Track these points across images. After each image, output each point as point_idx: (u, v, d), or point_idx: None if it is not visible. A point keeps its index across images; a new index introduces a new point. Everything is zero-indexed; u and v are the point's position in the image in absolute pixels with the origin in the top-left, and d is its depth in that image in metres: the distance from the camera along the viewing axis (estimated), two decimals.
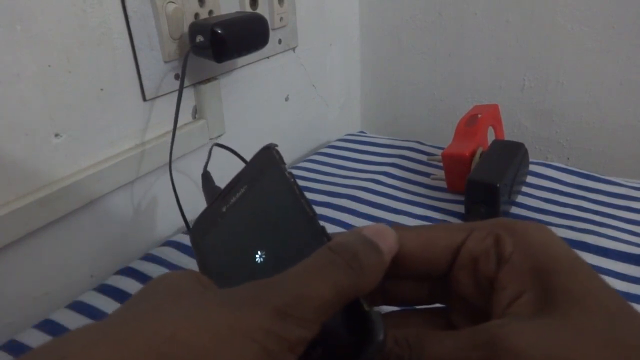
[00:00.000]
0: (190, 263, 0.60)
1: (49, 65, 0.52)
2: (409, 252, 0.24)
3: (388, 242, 0.23)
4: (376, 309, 0.21)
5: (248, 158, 0.28)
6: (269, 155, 0.26)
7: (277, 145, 0.26)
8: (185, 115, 0.69)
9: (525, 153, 0.69)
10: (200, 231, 0.28)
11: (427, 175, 0.78)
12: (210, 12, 0.66)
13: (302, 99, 0.91)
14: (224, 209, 0.27)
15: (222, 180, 0.74)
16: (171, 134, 0.65)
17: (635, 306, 0.53)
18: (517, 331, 0.19)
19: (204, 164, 0.72)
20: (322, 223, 0.24)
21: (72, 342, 0.18)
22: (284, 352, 0.18)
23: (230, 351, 0.18)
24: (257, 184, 0.26)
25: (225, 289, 0.21)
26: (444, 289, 0.26)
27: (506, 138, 0.80)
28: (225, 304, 0.19)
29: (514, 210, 0.68)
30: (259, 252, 0.24)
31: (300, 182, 0.78)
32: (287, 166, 0.25)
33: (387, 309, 0.27)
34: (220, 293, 0.20)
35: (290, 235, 0.24)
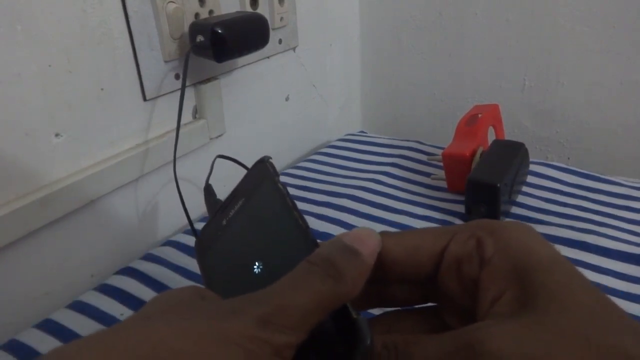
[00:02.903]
0: (190, 263, 0.60)
1: (50, 65, 0.52)
2: (396, 259, 0.25)
3: (368, 245, 0.23)
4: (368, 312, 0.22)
5: (249, 160, 0.29)
6: (263, 168, 0.27)
7: (270, 158, 0.27)
8: (185, 115, 0.69)
9: (525, 153, 0.69)
10: (204, 245, 0.29)
11: (427, 175, 0.78)
12: (211, 11, 0.66)
13: (302, 98, 0.91)
14: (224, 222, 0.28)
15: (223, 178, 0.74)
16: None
17: (635, 306, 0.53)
18: (496, 333, 0.20)
19: (203, 163, 0.72)
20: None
21: (65, 349, 0.19)
22: (268, 356, 0.19)
23: (214, 355, 0.19)
24: (253, 197, 0.27)
25: (217, 302, 0.22)
26: (434, 290, 0.26)
27: (506, 138, 0.80)
28: (212, 314, 0.20)
29: (515, 210, 0.68)
30: (256, 264, 0.25)
31: (301, 182, 0.79)
32: (280, 178, 0.26)
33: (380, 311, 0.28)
34: (209, 305, 0.22)
35: (284, 247, 0.25)
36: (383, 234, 0.25)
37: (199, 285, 0.26)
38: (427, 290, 0.27)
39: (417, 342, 0.22)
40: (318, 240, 0.24)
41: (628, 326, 0.20)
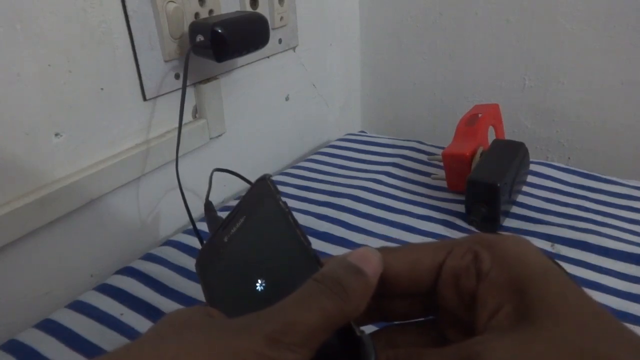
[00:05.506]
0: (190, 263, 0.60)
1: (49, 65, 0.52)
2: (396, 274, 0.26)
3: (372, 265, 0.24)
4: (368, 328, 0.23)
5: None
6: (264, 186, 0.27)
7: (271, 176, 0.27)
8: (185, 115, 0.69)
9: (525, 153, 0.69)
10: (205, 262, 0.29)
11: (427, 175, 0.77)
12: (211, 11, 0.66)
13: (302, 98, 0.91)
14: (225, 239, 0.28)
15: (223, 179, 0.74)
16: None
17: (636, 306, 0.53)
18: (495, 347, 0.20)
19: (204, 163, 0.72)
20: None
21: None
22: None
23: None
24: (255, 214, 0.27)
25: (226, 320, 0.23)
26: (434, 304, 0.26)
27: (506, 138, 0.80)
28: (223, 331, 0.21)
29: (515, 209, 0.68)
30: (259, 281, 0.26)
31: (301, 182, 0.79)
32: (281, 195, 0.26)
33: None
34: (220, 322, 0.23)
35: (287, 264, 0.25)
36: (382, 249, 0.26)
37: (204, 304, 0.26)
38: (426, 304, 0.27)
39: (419, 356, 0.23)
40: (321, 259, 0.24)
41: (622, 337, 0.20)
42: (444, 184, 0.73)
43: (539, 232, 0.62)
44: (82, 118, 0.56)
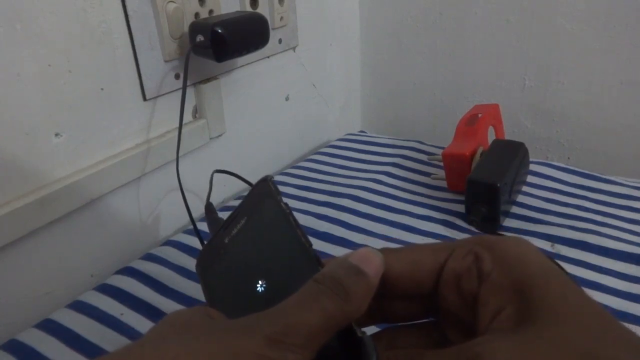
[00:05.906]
0: (190, 263, 0.60)
1: (49, 65, 0.52)
2: (397, 275, 0.26)
3: (373, 266, 0.24)
4: (367, 330, 0.23)
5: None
6: (265, 187, 0.27)
7: (272, 177, 0.27)
8: (185, 115, 0.69)
9: (525, 153, 0.69)
10: (205, 263, 0.29)
11: (427, 174, 0.77)
12: (211, 11, 0.66)
13: (302, 98, 0.91)
14: (226, 240, 0.28)
15: (223, 179, 0.74)
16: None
17: (636, 306, 0.53)
18: (497, 349, 0.20)
19: (204, 163, 0.72)
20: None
21: None
22: None
23: None
24: (256, 215, 0.27)
25: (226, 321, 0.23)
26: (435, 305, 0.26)
27: (506, 138, 0.80)
28: (223, 332, 0.21)
29: (515, 210, 0.68)
30: (259, 282, 0.26)
31: (301, 182, 0.79)
32: (282, 197, 0.26)
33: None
34: (221, 323, 0.23)
35: (288, 265, 0.25)
36: (384, 250, 0.26)
37: (205, 305, 0.26)
38: (427, 305, 0.27)
39: (421, 357, 0.23)
40: (322, 259, 0.24)
41: (622, 337, 0.20)
42: (444, 184, 0.73)
43: (539, 232, 0.62)
44: (82, 118, 0.56)
